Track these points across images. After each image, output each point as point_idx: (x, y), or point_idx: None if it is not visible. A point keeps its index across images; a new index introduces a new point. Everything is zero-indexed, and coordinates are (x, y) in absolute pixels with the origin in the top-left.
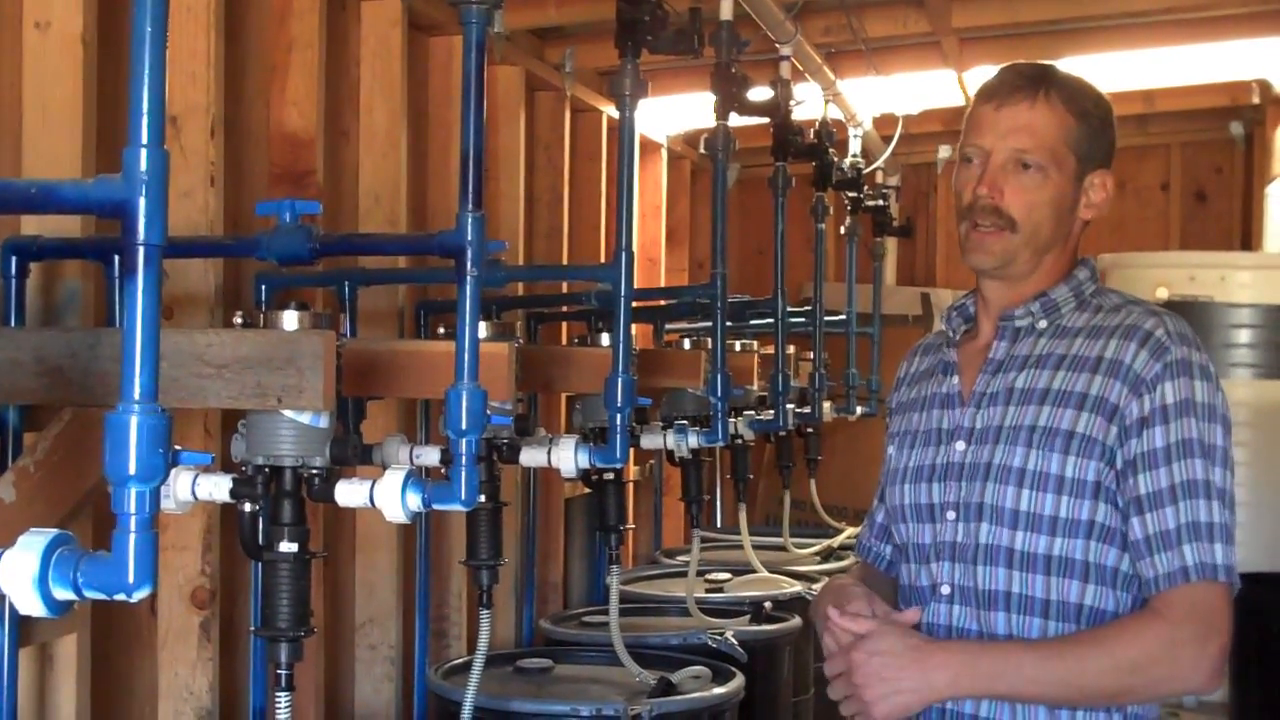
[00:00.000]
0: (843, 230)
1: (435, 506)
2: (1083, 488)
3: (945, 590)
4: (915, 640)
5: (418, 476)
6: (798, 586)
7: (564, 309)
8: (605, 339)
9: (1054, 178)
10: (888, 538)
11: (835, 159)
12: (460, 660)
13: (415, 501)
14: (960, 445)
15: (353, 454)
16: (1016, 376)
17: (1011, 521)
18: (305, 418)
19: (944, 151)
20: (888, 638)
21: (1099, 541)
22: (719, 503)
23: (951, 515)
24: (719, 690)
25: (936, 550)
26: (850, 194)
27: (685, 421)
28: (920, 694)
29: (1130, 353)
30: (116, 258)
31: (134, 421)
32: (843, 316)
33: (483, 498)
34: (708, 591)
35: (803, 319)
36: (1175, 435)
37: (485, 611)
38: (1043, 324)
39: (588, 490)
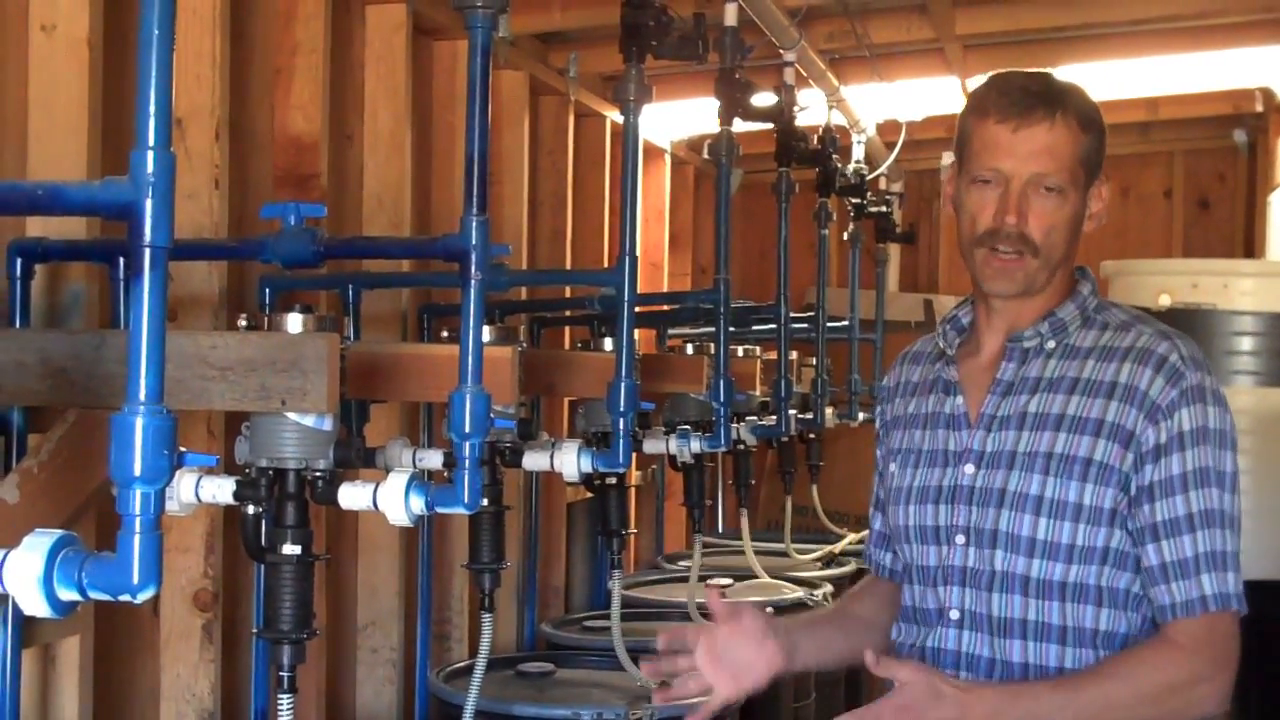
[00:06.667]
0: (846, 236)
1: (438, 509)
2: (1099, 515)
3: (954, 615)
4: (954, 687)
5: (421, 479)
6: (799, 593)
7: (567, 313)
8: (608, 343)
9: (1071, 197)
10: (886, 544)
11: (839, 165)
12: (462, 664)
13: (418, 504)
14: (969, 468)
15: (356, 457)
16: (1028, 400)
17: (1028, 549)
18: (309, 420)
19: (947, 158)
20: (928, 683)
21: (1113, 567)
22: (721, 508)
23: (961, 540)
24: None
25: (945, 574)
26: (853, 200)
27: (688, 426)
28: None
29: (1146, 378)
30: (121, 260)
31: (139, 423)
32: (845, 322)
33: (485, 501)
34: None
35: (805, 325)
36: (1192, 463)
37: (487, 615)
38: (1051, 344)
39: (590, 495)
